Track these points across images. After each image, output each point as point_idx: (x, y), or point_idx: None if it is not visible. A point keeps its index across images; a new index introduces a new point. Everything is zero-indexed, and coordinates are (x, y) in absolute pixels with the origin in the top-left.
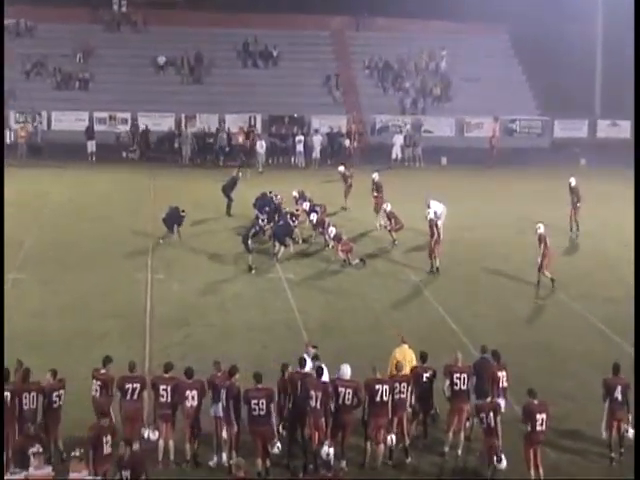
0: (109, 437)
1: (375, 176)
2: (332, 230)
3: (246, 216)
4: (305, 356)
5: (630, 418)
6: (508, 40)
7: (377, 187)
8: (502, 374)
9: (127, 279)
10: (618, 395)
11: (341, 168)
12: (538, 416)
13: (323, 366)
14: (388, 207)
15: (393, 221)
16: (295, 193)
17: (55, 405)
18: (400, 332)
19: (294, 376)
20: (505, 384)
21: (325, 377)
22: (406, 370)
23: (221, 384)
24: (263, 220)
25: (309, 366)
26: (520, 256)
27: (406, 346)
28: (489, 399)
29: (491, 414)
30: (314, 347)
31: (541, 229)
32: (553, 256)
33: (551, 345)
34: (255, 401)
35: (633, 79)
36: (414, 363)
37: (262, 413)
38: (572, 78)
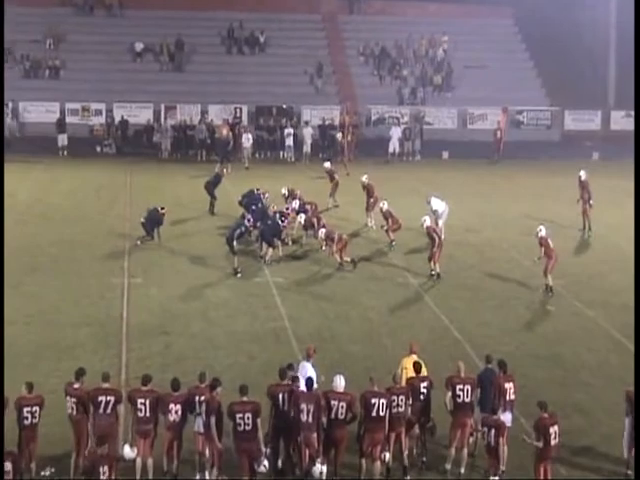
0: (106, 468)
1: (364, 179)
2: (322, 232)
3: (231, 215)
4: (305, 363)
5: None
6: (514, 24)
7: (368, 191)
8: (509, 386)
9: (101, 284)
10: None
11: (327, 164)
12: (551, 429)
13: (313, 376)
14: (385, 206)
15: (390, 220)
16: (284, 191)
17: (27, 422)
18: (413, 342)
19: (276, 388)
20: (512, 396)
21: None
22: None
23: (200, 398)
24: (249, 220)
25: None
26: (528, 259)
27: (415, 356)
28: (496, 416)
29: (493, 432)
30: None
31: (542, 232)
32: (557, 257)
33: (562, 355)
34: (240, 415)
35: (634, 67)
36: (425, 374)
37: (248, 428)
38: (584, 65)
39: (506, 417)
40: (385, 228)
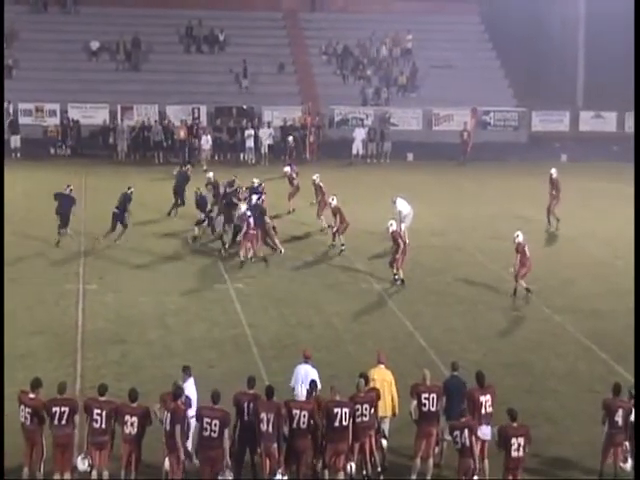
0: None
1: (315, 177)
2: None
3: (188, 218)
4: (303, 366)
5: (628, 446)
6: (480, 22)
7: (317, 191)
8: (485, 398)
9: (54, 290)
10: (619, 419)
11: (287, 168)
12: (513, 440)
13: (315, 378)
14: (334, 201)
15: (338, 218)
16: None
17: None
18: (380, 351)
19: (242, 397)
20: (489, 409)
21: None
22: (385, 395)
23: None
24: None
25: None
26: (496, 263)
27: (382, 366)
28: (464, 418)
29: (466, 431)
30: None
31: (520, 237)
32: (531, 266)
33: (530, 362)
34: (208, 420)
35: (619, 68)
36: (393, 386)
37: (214, 435)
38: (552, 65)
39: (484, 431)
40: (334, 229)
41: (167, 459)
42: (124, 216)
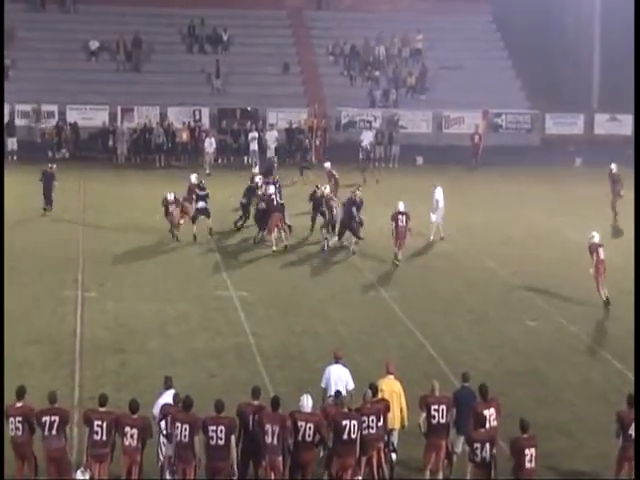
0: None
1: (327, 165)
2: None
3: (191, 224)
4: (334, 366)
5: None
6: (492, 22)
7: (330, 177)
8: (489, 412)
9: (52, 298)
10: (632, 432)
11: (327, 164)
12: (527, 451)
13: (346, 378)
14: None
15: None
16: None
17: None
18: (389, 361)
19: (246, 408)
20: (494, 423)
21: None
22: (394, 406)
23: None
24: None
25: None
26: (507, 270)
27: (392, 377)
28: (483, 429)
29: (487, 445)
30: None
31: (595, 238)
32: (604, 270)
33: (543, 372)
34: (213, 428)
35: (634, 68)
36: (402, 397)
37: (220, 443)
38: (566, 66)
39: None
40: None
41: (171, 471)
42: (249, 207)
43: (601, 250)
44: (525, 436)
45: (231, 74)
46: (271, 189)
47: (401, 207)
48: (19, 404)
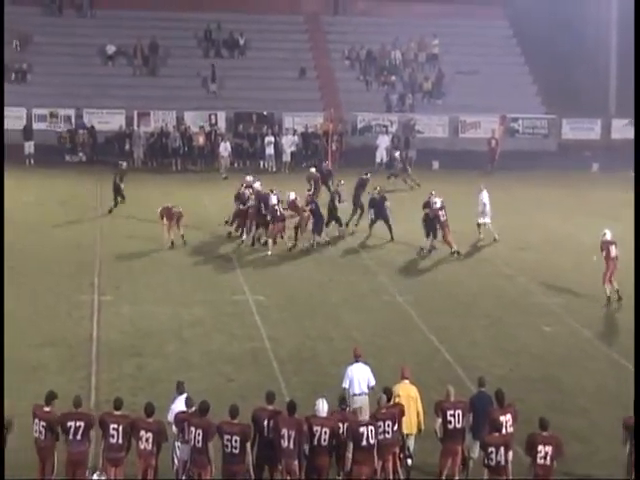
0: None
1: (313, 170)
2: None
3: (205, 229)
4: (355, 365)
5: None
6: (508, 26)
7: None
8: (505, 418)
9: (69, 302)
10: None
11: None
12: (540, 447)
13: (367, 376)
14: (292, 196)
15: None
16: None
17: None
18: (404, 366)
19: (261, 413)
20: (510, 429)
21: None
22: (410, 411)
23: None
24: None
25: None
26: (523, 275)
27: (407, 381)
28: (497, 433)
29: (502, 449)
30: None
31: (607, 235)
32: (614, 268)
33: (558, 378)
34: (228, 437)
35: (634, 72)
36: (419, 402)
37: (235, 451)
38: (583, 70)
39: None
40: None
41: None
42: (360, 199)
43: (612, 247)
44: (544, 434)
45: (247, 78)
46: (274, 199)
47: (438, 203)
48: (47, 408)
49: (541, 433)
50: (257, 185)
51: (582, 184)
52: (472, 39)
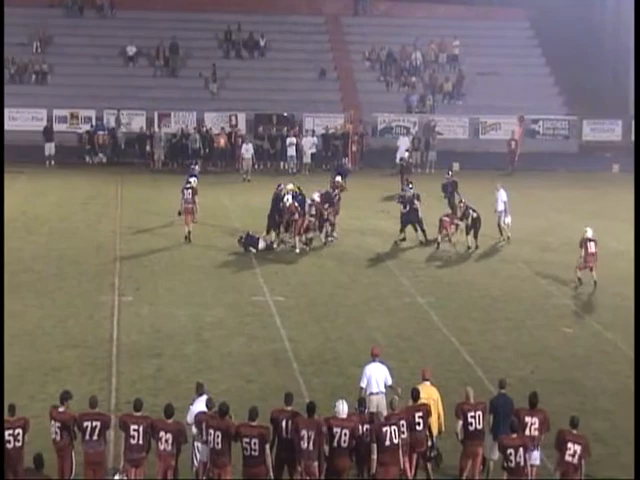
0: None
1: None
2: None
3: (225, 229)
4: (373, 365)
5: None
6: (529, 27)
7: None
8: (531, 420)
9: (89, 303)
10: None
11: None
12: (570, 445)
13: (385, 375)
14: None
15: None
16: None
17: (10, 446)
18: (425, 368)
19: (279, 414)
20: (535, 432)
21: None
22: (432, 413)
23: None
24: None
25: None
26: (544, 277)
27: (428, 383)
28: (515, 434)
29: (521, 450)
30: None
31: (588, 233)
32: (593, 262)
33: (580, 380)
34: (247, 440)
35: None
36: (440, 403)
37: (254, 454)
38: (603, 71)
39: (533, 455)
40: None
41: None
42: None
43: (592, 244)
44: (574, 432)
45: (267, 79)
46: (291, 199)
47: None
48: (61, 409)
49: (571, 431)
50: (316, 196)
51: (603, 185)
52: (493, 40)
